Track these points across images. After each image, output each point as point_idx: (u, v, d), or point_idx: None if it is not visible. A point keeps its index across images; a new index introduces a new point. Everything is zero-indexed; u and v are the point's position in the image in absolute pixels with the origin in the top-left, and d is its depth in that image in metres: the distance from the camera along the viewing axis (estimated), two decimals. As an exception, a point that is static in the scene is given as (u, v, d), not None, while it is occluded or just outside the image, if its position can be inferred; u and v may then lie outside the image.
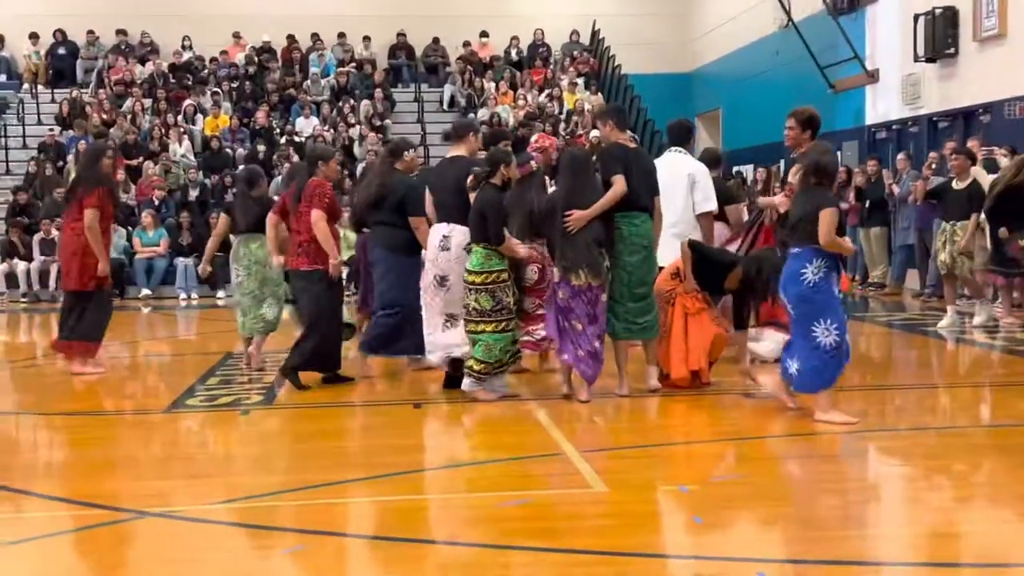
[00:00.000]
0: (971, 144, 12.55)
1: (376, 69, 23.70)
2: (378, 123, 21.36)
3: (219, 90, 22.21)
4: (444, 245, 7.70)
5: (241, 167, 14.80)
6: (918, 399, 7.71)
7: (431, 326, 7.84)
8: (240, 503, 5.15)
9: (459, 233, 7.65)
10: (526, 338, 7.64)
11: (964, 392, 8.04)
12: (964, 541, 4.59)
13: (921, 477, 5.57)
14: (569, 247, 7.18)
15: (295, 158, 19.68)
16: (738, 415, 7.07)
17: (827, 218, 6.32)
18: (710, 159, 9.29)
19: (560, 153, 8.80)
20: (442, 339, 7.79)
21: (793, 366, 6.57)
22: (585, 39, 25.45)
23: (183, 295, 17.29)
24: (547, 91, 23.10)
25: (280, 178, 18.89)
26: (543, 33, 24.86)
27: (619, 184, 7.37)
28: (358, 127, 21.28)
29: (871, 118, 17.26)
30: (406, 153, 8.44)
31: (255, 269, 8.92)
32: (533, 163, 7.87)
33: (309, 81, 23.01)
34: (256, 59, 23.57)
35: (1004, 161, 11.27)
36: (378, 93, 22.36)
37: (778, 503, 5.10)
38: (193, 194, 19.39)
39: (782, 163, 15.56)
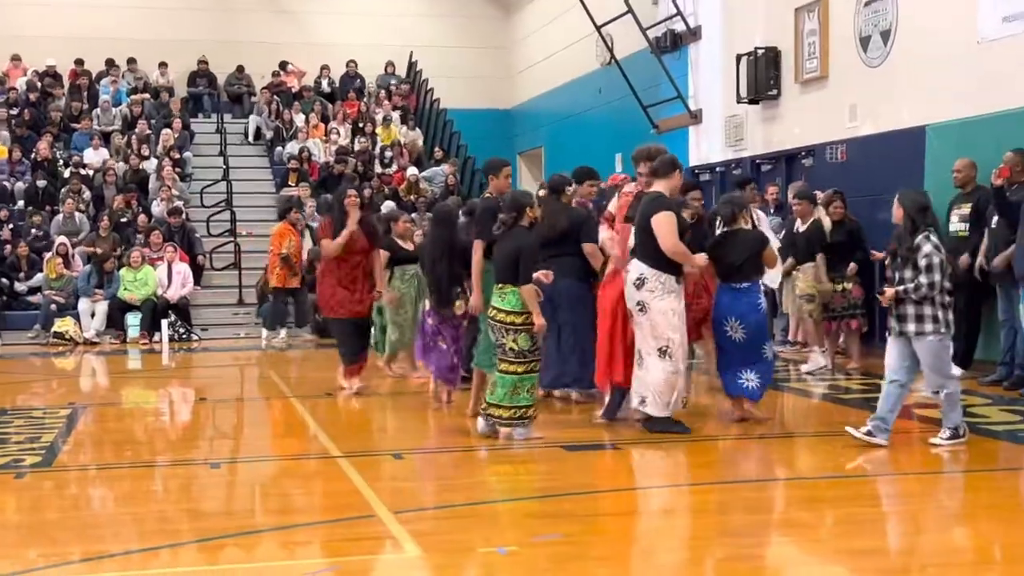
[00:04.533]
0: (793, 188, 13.08)
1: (174, 97, 23.16)
2: (176, 156, 20.83)
3: (-5, 117, 21.26)
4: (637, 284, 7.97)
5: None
6: (740, 449, 7.91)
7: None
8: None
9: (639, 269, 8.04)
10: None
11: (787, 443, 8.29)
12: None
13: (748, 532, 5.69)
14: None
15: (86, 193, 19.05)
16: (563, 468, 7.11)
17: (771, 254, 8.38)
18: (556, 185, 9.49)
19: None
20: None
21: (753, 381, 8.13)
22: (402, 71, 25.52)
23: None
24: (361, 125, 23.01)
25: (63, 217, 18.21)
26: (356, 64, 24.80)
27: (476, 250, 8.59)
28: (153, 160, 20.71)
29: (694, 159, 17.82)
30: (567, 189, 9.29)
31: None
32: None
33: (99, 109, 22.28)
34: (39, 84, 22.70)
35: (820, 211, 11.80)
36: (176, 123, 21.84)
37: (602, 563, 5.12)
38: (-36, 232, 18.44)
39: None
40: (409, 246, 11.38)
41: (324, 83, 24.50)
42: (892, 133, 12.97)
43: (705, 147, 17.62)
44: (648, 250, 7.84)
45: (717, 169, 17.01)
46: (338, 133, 22.60)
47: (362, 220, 10.11)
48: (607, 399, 8.44)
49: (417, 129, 23.71)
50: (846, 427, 7.46)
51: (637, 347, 7.98)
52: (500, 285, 7.77)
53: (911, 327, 7.15)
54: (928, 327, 7.13)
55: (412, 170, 21.66)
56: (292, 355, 15.10)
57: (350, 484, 6.66)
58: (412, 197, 20.61)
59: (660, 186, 8.08)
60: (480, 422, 7.96)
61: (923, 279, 7.05)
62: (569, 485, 6.66)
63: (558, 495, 6.40)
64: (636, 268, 7.90)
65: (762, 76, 15.40)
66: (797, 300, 11.51)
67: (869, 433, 7.26)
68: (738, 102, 15.93)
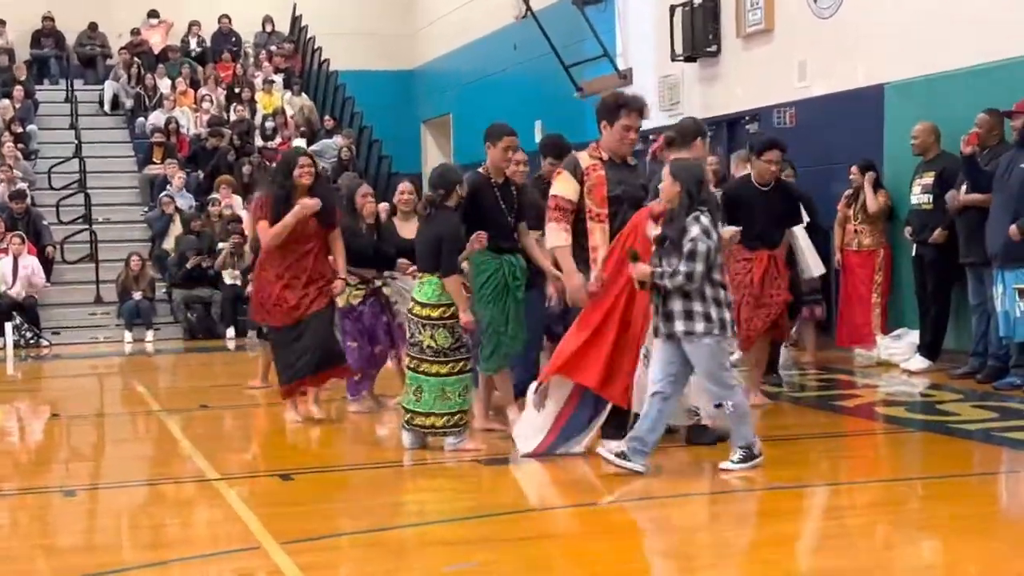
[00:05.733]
0: (737, 158, 13.20)
1: (15, 62, 22.71)
2: (18, 130, 20.44)
3: None
4: None
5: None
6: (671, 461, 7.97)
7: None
8: None
9: None
10: None
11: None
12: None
13: (681, 554, 5.74)
14: None
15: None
16: (484, 486, 7.12)
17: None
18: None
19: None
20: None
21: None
22: (284, 27, 25.31)
23: None
24: (238, 91, 22.80)
25: None
26: (230, 20, 24.54)
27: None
28: (-9, 134, 20.34)
29: (625, 126, 17.89)
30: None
31: None
32: None
33: (-76, 76, 21.80)
34: None
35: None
36: (17, 91, 21.42)
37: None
38: None
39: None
40: (412, 230, 10.36)
41: (193, 42, 24.23)
42: (847, 93, 13.14)
43: (636, 112, 17.69)
44: None
45: (650, 137, 17.08)
46: (211, 101, 22.38)
47: (314, 195, 9.03)
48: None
49: (304, 95, 23.54)
50: (598, 448, 7.09)
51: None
52: (420, 274, 7.86)
53: (679, 326, 6.84)
54: (698, 326, 6.81)
55: (298, 142, 21.48)
56: (160, 362, 14.92)
57: (230, 511, 6.60)
58: (299, 174, 20.44)
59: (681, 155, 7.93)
60: (405, 436, 7.93)
61: (682, 267, 6.73)
62: (489, 505, 6.66)
63: (475, 517, 6.39)
64: None
65: (700, 30, 15.51)
66: None
67: (623, 455, 6.90)
68: (673, 60, 16.04)
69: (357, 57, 24.65)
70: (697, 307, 6.81)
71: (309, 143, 21.67)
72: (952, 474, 7.23)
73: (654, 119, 17.17)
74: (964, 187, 10.24)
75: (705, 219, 6.82)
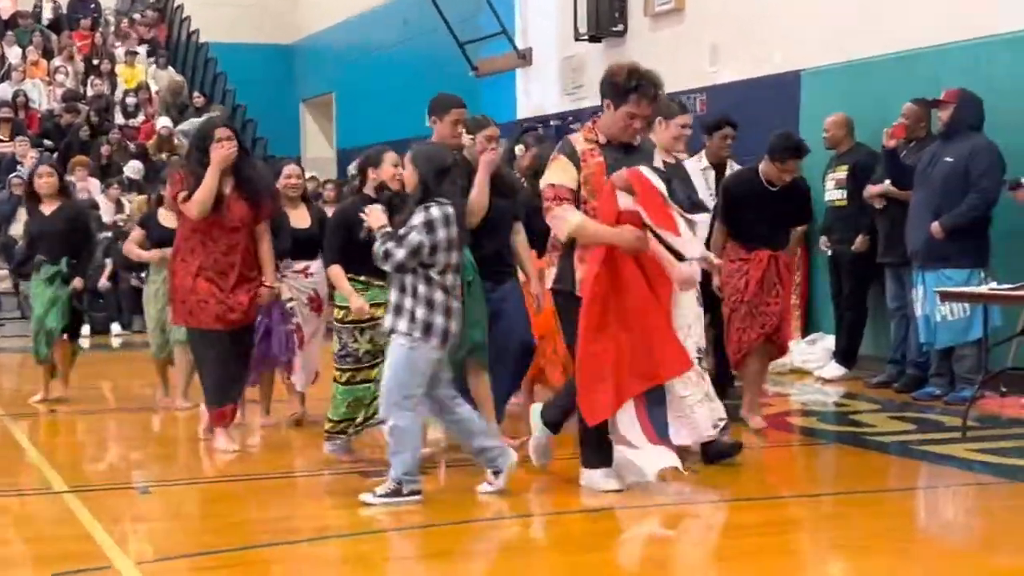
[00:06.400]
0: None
1: None
2: None
3: None
4: None
5: None
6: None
7: None
8: None
9: None
10: None
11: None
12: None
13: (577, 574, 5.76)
14: None
15: None
16: (353, 503, 7.06)
17: None
18: None
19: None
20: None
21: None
22: (149, -6, 25.06)
23: None
24: (96, 63, 22.49)
25: None
26: (89, -17, 24.23)
27: None
28: None
29: (524, 110, 17.93)
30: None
31: None
32: None
33: None
34: None
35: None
36: None
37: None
38: None
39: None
40: (303, 218, 9.37)
41: (47, 8, 23.85)
42: (760, 80, 13.28)
43: (537, 95, 17.75)
44: None
45: (552, 123, 17.15)
46: (65, 73, 22.07)
47: (241, 175, 8.18)
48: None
49: (171, 69, 23.28)
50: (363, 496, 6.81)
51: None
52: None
53: (387, 319, 6.74)
54: (401, 324, 6.65)
55: (163, 121, 21.24)
56: (5, 360, 14.64)
57: (79, 527, 6.48)
58: (165, 156, 20.24)
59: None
60: (326, 444, 7.86)
61: (388, 244, 6.57)
62: (363, 522, 6.60)
63: (351, 535, 6.37)
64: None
65: (605, 8, 15.59)
66: None
67: (394, 493, 6.70)
68: (576, 39, 16.10)
69: (231, 28, 24.44)
70: (407, 303, 6.66)
71: (176, 122, 21.46)
72: (867, 490, 7.32)
73: (556, 103, 17.27)
74: (886, 182, 10.36)
75: (435, 211, 6.64)
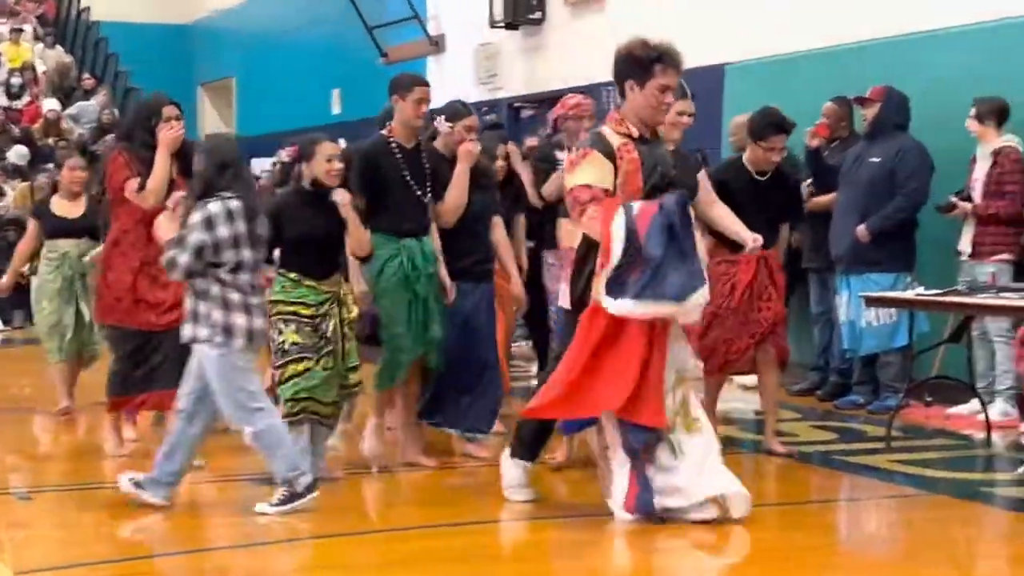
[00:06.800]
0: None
1: None
2: None
3: None
4: None
5: None
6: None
7: None
8: None
9: None
10: None
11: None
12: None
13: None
14: None
15: None
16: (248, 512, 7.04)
17: None
18: None
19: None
20: None
21: None
22: (35, -33, 24.75)
23: None
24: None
25: None
26: (-29, -45, 23.89)
27: None
28: None
29: (436, 100, 17.88)
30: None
31: None
32: None
33: None
34: None
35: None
36: None
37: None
38: None
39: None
40: None
41: (-77, -19, 23.50)
42: (684, 73, 13.32)
43: (450, 84, 17.72)
44: None
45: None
46: (-55, 51, 21.75)
47: (187, 159, 7.60)
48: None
49: (59, 48, 23.03)
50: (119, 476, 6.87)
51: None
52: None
53: (186, 330, 6.58)
54: (202, 331, 6.51)
55: (50, 103, 21.01)
56: None
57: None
58: (52, 141, 20.02)
59: None
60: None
61: (170, 251, 6.45)
62: (263, 532, 6.58)
63: (251, 545, 6.36)
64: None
65: (523, -7, 15.62)
66: None
67: (138, 484, 6.74)
68: (492, 27, 16.12)
69: (123, 6, 24.21)
70: (202, 308, 6.51)
71: (64, 105, 21.23)
72: (787, 502, 7.41)
73: (470, 93, 17.27)
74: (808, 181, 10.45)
75: (214, 207, 6.47)
